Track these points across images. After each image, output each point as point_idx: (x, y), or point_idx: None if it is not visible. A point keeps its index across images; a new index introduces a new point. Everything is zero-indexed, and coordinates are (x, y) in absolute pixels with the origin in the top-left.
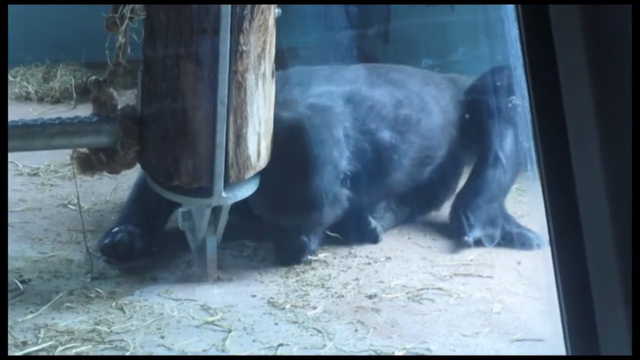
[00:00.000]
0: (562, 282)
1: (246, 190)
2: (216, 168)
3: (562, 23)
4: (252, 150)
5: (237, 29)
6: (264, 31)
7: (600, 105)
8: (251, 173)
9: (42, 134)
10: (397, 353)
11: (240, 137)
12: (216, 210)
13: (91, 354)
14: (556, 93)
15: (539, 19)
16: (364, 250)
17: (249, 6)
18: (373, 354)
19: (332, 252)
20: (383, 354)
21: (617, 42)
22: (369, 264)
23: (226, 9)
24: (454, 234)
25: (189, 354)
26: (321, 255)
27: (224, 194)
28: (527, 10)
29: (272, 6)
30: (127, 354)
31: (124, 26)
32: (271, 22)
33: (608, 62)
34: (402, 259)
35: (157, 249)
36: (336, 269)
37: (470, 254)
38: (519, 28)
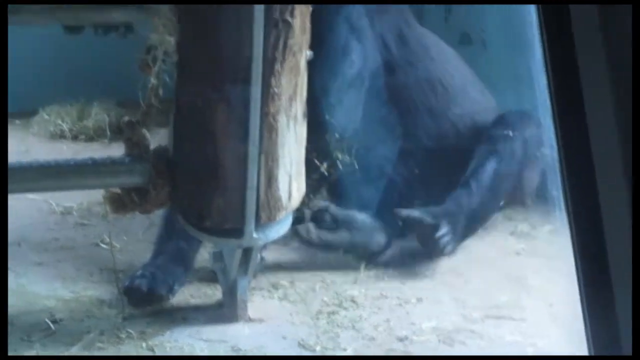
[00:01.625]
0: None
1: (277, 231)
2: (247, 209)
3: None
4: (283, 191)
5: (268, 72)
6: (295, 73)
7: (620, 106)
8: (282, 214)
9: (74, 174)
10: None
11: (271, 179)
12: (247, 251)
13: None
14: (578, 95)
15: (559, 19)
16: (394, 291)
17: (280, 48)
18: None
19: (363, 292)
20: None
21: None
22: (400, 305)
23: (257, 51)
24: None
25: None
26: (351, 293)
27: (255, 235)
28: (548, 11)
29: (304, 49)
30: None
31: (156, 67)
32: (303, 64)
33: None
34: (433, 300)
35: (186, 289)
36: (367, 310)
37: (502, 295)
38: (540, 28)
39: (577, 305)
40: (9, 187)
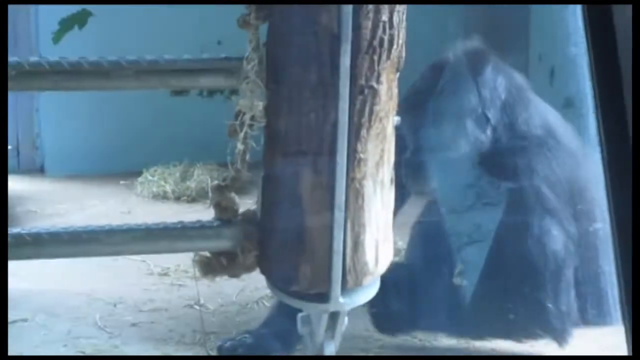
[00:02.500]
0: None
1: (364, 296)
2: (333, 274)
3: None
4: (369, 256)
5: (354, 137)
6: (382, 139)
7: None
8: (369, 279)
9: (164, 238)
10: None
11: (357, 243)
12: (334, 316)
13: None
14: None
15: (604, 18)
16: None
17: (366, 114)
18: None
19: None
20: None
21: None
22: None
23: (343, 117)
24: None
25: None
26: None
27: (341, 300)
28: (593, 11)
29: (391, 115)
30: None
31: (243, 133)
32: (390, 130)
33: None
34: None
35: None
36: None
37: None
38: (585, 28)
39: None
40: (100, 250)
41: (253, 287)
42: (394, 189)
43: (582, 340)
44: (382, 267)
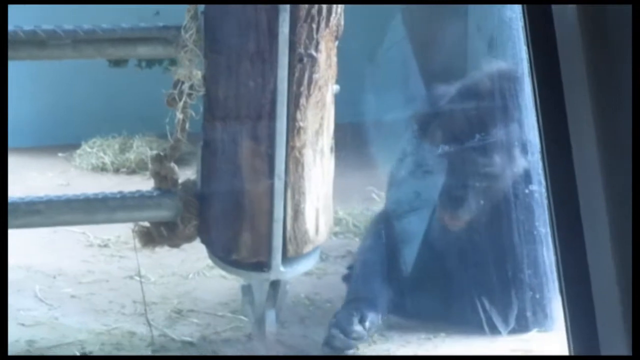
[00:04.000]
0: (565, 281)
1: (304, 265)
2: (274, 243)
3: (564, 23)
4: (310, 224)
5: (294, 106)
6: (321, 107)
7: (599, 105)
8: (309, 248)
9: (103, 208)
10: None
11: (298, 212)
12: (275, 285)
13: None
14: (560, 94)
15: (543, 19)
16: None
17: (306, 83)
18: None
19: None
20: None
21: (616, 42)
22: (429, 339)
23: (282, 86)
24: None
25: None
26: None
27: (281, 269)
28: (532, 11)
29: (330, 83)
30: None
31: (182, 102)
32: (329, 98)
33: (608, 63)
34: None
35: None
36: (396, 344)
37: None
38: (524, 29)
39: None
40: (40, 221)
41: (194, 257)
42: (333, 158)
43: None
44: (323, 235)
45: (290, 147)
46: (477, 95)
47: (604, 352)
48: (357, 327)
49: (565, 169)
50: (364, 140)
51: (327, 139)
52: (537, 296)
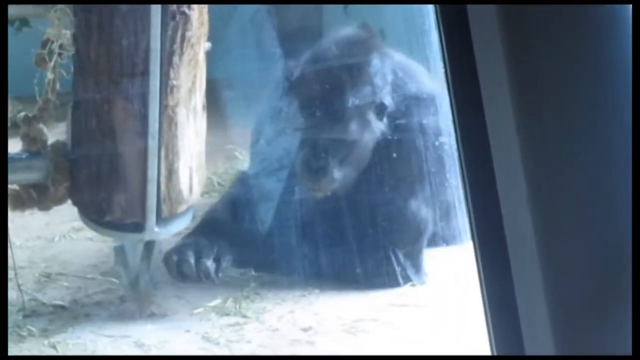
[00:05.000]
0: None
1: (178, 225)
2: (148, 203)
3: (481, 24)
4: (184, 184)
5: (167, 64)
6: (194, 65)
7: (519, 105)
8: (184, 207)
9: None
10: None
11: (172, 172)
12: (149, 245)
13: None
14: (477, 95)
15: (458, 19)
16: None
17: (178, 40)
18: None
19: (266, 285)
20: None
21: (535, 43)
22: (304, 295)
23: (155, 43)
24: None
25: None
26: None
27: (156, 229)
28: (446, 11)
29: (202, 41)
30: None
31: (52, 62)
32: (201, 55)
33: (526, 63)
34: (335, 290)
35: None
36: (271, 302)
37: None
38: (438, 29)
39: None
40: None
41: (58, 220)
42: (205, 116)
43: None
44: (196, 195)
45: (163, 106)
46: (328, 60)
47: (604, 352)
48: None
49: (485, 168)
50: (224, 98)
51: (199, 97)
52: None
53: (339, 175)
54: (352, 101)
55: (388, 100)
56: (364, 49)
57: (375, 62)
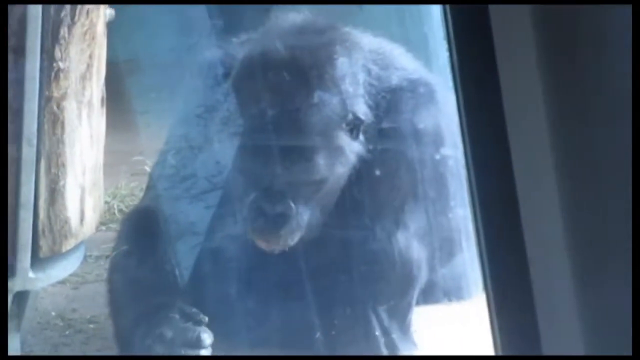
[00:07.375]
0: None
1: (64, 269)
2: (20, 237)
3: (509, 24)
4: (72, 210)
5: (51, 39)
6: (90, 41)
7: (555, 112)
8: (71, 243)
9: None
10: None
11: (55, 192)
12: (21, 297)
13: None
14: (496, 100)
15: (477, 19)
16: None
17: (68, 7)
18: None
19: None
20: None
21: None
22: None
23: (36, 9)
24: None
25: None
26: None
27: (31, 274)
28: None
29: (102, 6)
30: None
31: None
32: (100, 28)
33: (562, 65)
34: None
35: None
36: None
37: None
38: (447, 32)
39: None
40: None
41: None
42: (104, 114)
43: None
44: (90, 226)
45: (45, 99)
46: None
47: (604, 352)
48: None
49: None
50: (132, 89)
51: (96, 86)
52: None
53: (304, 221)
54: (313, 127)
55: (363, 111)
56: (325, 44)
57: (342, 61)
